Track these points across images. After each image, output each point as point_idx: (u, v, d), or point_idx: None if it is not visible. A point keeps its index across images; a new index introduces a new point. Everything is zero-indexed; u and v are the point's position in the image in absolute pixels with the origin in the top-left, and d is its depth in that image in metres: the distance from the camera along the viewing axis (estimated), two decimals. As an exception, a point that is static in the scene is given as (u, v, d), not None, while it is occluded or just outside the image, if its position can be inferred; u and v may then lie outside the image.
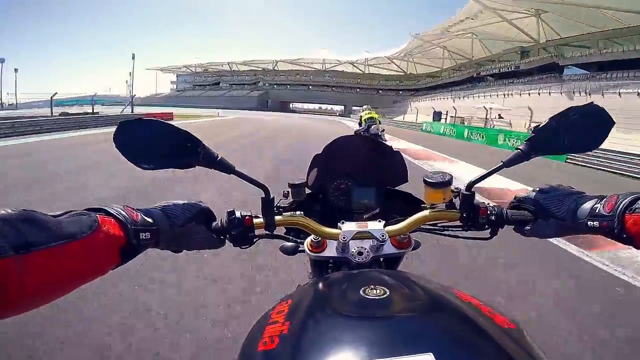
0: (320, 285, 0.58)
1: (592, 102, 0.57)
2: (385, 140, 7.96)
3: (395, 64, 64.09)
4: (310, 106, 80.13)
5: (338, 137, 0.95)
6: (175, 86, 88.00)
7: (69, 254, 0.36)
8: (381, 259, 0.78)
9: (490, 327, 0.40)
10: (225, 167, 0.58)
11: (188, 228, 0.56)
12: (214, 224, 0.62)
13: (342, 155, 0.94)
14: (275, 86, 75.63)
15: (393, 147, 0.97)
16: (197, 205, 0.60)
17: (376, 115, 7.82)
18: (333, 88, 69.72)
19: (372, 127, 7.50)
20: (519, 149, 0.62)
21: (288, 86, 74.73)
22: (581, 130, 0.57)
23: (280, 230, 0.73)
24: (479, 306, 0.45)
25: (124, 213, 0.46)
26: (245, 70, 79.36)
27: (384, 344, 0.36)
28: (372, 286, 0.50)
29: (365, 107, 8.56)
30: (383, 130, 8.03)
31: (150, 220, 0.50)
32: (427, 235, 0.81)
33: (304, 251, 0.97)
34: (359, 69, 70.09)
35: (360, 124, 7.97)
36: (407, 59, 59.22)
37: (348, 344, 0.38)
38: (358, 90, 67.08)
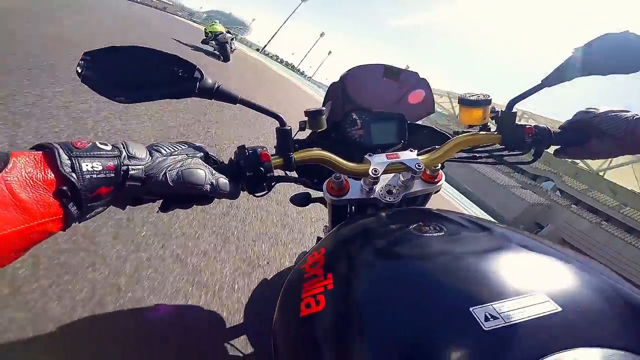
0: (356, 227, 0.49)
1: (628, 30, 0.56)
2: (235, 49, 9.21)
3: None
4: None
5: (356, 65, 0.84)
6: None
7: None
8: (408, 199, 0.71)
9: (578, 261, 0.33)
10: (228, 97, 0.48)
11: (178, 162, 0.42)
12: (220, 166, 0.50)
13: (360, 86, 0.84)
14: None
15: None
16: (192, 144, 0.48)
17: (222, 29, 8.45)
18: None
19: (219, 36, 8.07)
20: (559, 68, 0.58)
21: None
22: (620, 54, 0.55)
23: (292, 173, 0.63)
24: (544, 242, 0.38)
25: (61, 143, 0.33)
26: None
27: (476, 286, 0.28)
28: (421, 223, 0.42)
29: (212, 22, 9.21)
30: (232, 39, 8.72)
31: (106, 147, 0.36)
32: None
33: (318, 200, 0.88)
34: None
35: (207, 36, 8.47)
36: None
37: (427, 290, 0.29)
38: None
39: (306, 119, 0.60)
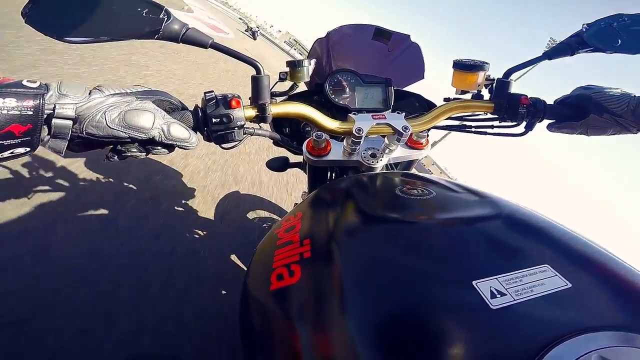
0: (337, 189, 0.45)
1: None
2: (258, 35, 18.13)
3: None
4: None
5: (344, 24, 0.80)
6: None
7: None
8: (391, 164, 0.69)
9: (578, 235, 0.30)
10: (197, 41, 0.43)
11: (123, 103, 0.37)
12: (182, 113, 0.45)
13: (347, 45, 0.78)
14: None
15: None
16: (148, 88, 0.42)
17: (254, 25, 19.42)
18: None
19: (252, 28, 17.45)
20: (564, 42, 0.57)
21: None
22: (629, 34, 0.55)
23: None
24: (537, 213, 0.35)
25: None
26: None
27: (477, 255, 0.25)
28: (408, 186, 0.38)
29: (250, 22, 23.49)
30: (258, 30, 17.55)
31: (32, 84, 0.32)
32: None
33: (297, 165, 0.83)
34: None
35: (247, 28, 18.22)
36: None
37: (421, 258, 0.25)
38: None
39: (287, 69, 0.54)
